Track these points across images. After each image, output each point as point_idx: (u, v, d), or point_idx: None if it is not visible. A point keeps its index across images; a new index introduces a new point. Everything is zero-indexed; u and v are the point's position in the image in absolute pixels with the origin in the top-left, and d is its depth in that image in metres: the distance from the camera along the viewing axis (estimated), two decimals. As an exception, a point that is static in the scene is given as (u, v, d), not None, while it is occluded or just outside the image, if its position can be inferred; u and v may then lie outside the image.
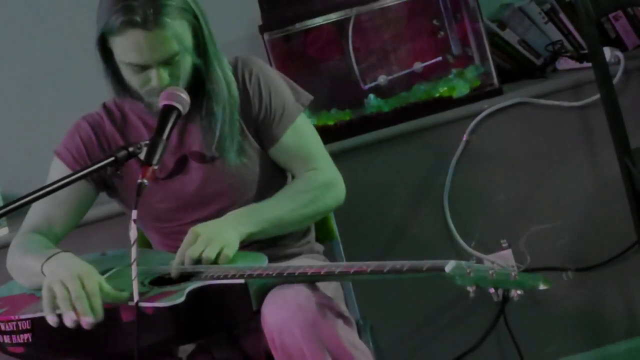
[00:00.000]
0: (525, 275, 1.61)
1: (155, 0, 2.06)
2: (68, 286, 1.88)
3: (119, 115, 2.29)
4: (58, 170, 2.25)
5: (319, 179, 2.24)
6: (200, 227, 2.04)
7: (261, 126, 2.26)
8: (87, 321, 1.85)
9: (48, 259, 1.99)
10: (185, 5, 2.11)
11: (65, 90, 3.11)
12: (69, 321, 1.86)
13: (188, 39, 2.12)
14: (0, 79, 3.13)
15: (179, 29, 2.09)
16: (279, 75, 2.33)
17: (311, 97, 2.33)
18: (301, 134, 2.29)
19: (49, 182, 2.10)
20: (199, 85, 2.19)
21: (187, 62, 2.14)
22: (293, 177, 2.32)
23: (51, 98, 3.12)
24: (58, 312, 1.89)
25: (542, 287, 1.59)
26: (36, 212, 2.24)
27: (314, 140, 2.32)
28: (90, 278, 1.90)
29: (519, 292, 1.60)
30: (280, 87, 2.29)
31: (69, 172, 2.17)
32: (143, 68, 2.10)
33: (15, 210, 1.85)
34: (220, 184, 2.22)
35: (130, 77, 2.14)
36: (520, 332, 2.99)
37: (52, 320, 1.89)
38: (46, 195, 1.90)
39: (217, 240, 2.00)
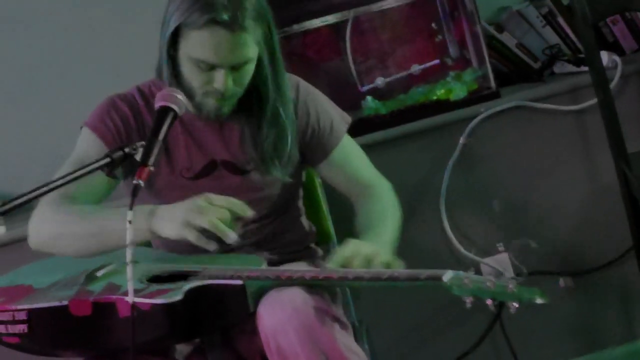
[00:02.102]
0: (523, 289, 1.62)
1: (241, 3, 2.02)
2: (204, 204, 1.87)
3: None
4: (90, 144, 2.16)
5: (390, 197, 2.27)
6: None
7: (310, 142, 2.24)
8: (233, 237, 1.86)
9: (151, 213, 1.92)
10: (264, 12, 2.08)
11: (62, 91, 3.10)
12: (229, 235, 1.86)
13: (262, 47, 2.09)
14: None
15: (258, 35, 2.06)
16: (321, 93, 2.32)
17: (350, 118, 2.33)
18: (350, 149, 2.30)
19: (78, 154, 2.11)
20: (251, 94, 2.16)
21: (251, 71, 2.10)
22: (339, 190, 2.32)
23: (47, 98, 3.11)
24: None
25: (539, 300, 1.60)
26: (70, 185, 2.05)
27: (362, 155, 2.33)
28: (213, 198, 1.90)
29: (515, 304, 1.60)
30: (326, 104, 2.29)
31: (106, 149, 2.06)
32: (211, 67, 2.05)
33: (15, 208, 1.82)
34: (242, 197, 2.19)
35: (193, 74, 2.08)
36: (516, 336, 2.99)
37: (232, 237, 1.87)
38: (61, 187, 1.84)
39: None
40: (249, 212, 1.92)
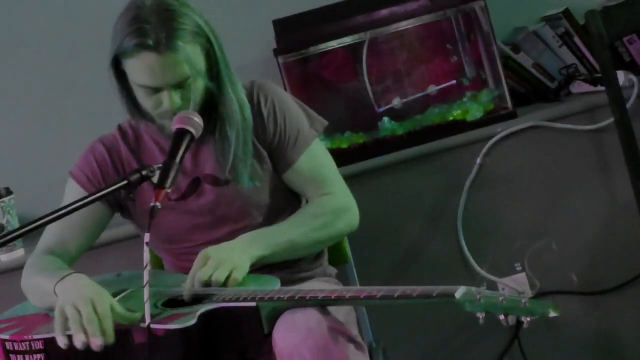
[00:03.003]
0: (536, 303, 1.61)
1: (168, 24, 2.07)
2: (80, 309, 1.89)
3: (134, 138, 2.30)
4: (73, 192, 2.26)
5: (333, 204, 2.25)
6: (210, 250, 2.05)
7: (276, 150, 2.26)
8: (97, 343, 1.87)
9: (61, 279, 2.01)
10: (199, 30, 2.12)
11: (83, 112, 3.14)
12: (78, 343, 1.88)
13: (201, 62, 2.13)
14: (18, 103, 3.16)
15: (191, 53, 2.10)
16: (294, 100, 2.34)
17: (326, 123, 2.33)
18: (316, 159, 2.29)
19: (64, 203, 2.13)
20: (212, 108, 2.20)
21: (199, 86, 2.14)
22: (307, 201, 2.32)
23: (68, 119, 3.15)
24: (69, 333, 1.90)
25: (552, 314, 1.59)
26: (51, 234, 2.25)
27: (329, 165, 2.32)
28: (102, 301, 1.91)
29: (529, 319, 1.60)
30: (295, 112, 2.29)
31: (84, 193, 2.19)
32: (155, 91, 2.12)
33: (30, 232, 1.86)
34: (233, 207, 2.22)
35: (143, 100, 2.15)
36: (534, 356, 2.97)
37: (61, 342, 1.90)
38: (60, 218, 1.91)
39: (227, 263, 2.01)
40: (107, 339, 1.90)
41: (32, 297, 2.15)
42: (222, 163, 2.21)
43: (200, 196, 2.24)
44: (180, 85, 2.12)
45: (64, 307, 1.91)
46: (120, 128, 2.33)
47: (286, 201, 2.30)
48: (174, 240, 2.28)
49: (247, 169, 2.20)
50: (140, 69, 2.09)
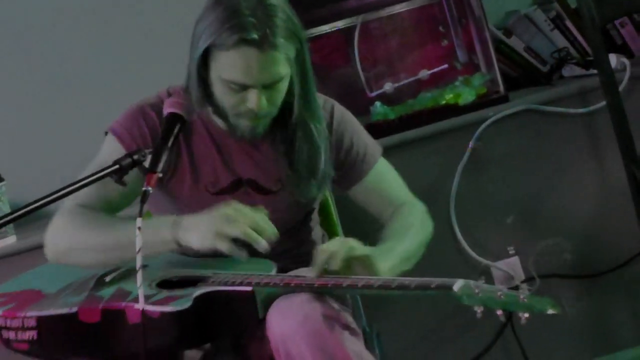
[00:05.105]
0: (534, 299, 1.60)
1: (271, 20, 1.98)
2: (235, 216, 1.88)
3: None
4: (115, 154, 2.01)
5: (415, 212, 2.22)
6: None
7: (344, 166, 2.22)
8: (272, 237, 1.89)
9: (174, 223, 1.93)
10: (295, 29, 2.03)
11: (75, 99, 3.13)
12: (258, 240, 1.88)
13: (293, 65, 2.05)
14: (9, 90, 3.15)
15: (289, 53, 2.02)
16: (355, 118, 2.30)
17: (381, 148, 2.30)
18: (384, 173, 2.27)
19: (100, 159, 2.07)
20: (284, 113, 2.13)
21: (284, 88, 2.07)
22: (370, 211, 2.28)
23: (60, 106, 3.13)
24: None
25: (550, 311, 1.58)
26: (89, 193, 2.04)
27: (397, 177, 2.29)
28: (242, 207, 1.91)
29: (526, 315, 1.59)
30: (361, 129, 2.27)
31: (123, 152, 2.02)
32: (243, 88, 2.02)
33: (22, 217, 1.82)
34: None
35: (225, 95, 2.04)
36: (527, 340, 2.98)
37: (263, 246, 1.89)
38: (72, 193, 1.84)
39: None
40: (272, 231, 1.91)
41: (97, 256, 2.01)
42: (287, 172, 2.15)
43: (238, 197, 2.13)
44: (270, 86, 2.03)
45: (220, 215, 1.89)
46: (169, 93, 2.18)
47: (308, 217, 2.29)
48: None
49: (326, 181, 2.17)
50: (237, 64, 1.98)
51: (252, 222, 1.89)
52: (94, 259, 2.03)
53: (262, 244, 1.88)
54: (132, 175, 1.98)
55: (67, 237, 2.05)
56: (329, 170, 2.18)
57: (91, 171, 1.92)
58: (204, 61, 2.04)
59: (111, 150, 2.11)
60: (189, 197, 2.17)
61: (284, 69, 2.02)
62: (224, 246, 1.87)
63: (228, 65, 2.00)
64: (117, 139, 2.14)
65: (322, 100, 2.22)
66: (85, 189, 1.93)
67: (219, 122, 2.15)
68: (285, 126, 2.14)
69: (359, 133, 2.26)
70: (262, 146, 2.18)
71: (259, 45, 1.96)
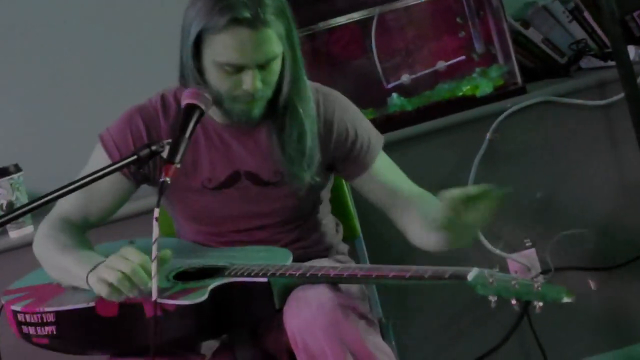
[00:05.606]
0: (549, 287, 1.60)
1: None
2: (119, 268, 1.86)
3: (176, 113, 2.17)
4: (98, 159, 2.14)
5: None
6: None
7: (349, 155, 2.20)
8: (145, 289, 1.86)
9: (93, 269, 1.93)
10: (283, 7, 2.04)
11: (91, 89, 3.13)
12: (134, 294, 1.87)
13: (285, 43, 2.05)
14: (26, 81, 3.15)
15: (280, 31, 2.02)
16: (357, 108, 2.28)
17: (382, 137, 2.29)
18: (388, 164, 2.25)
19: (87, 168, 2.10)
20: (275, 97, 2.12)
21: (277, 69, 2.06)
22: (374, 203, 2.24)
23: (76, 97, 3.14)
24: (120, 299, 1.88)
25: (565, 300, 1.58)
26: (70, 201, 2.12)
27: (399, 171, 2.27)
28: (132, 252, 1.89)
29: (541, 304, 1.59)
30: (364, 119, 2.25)
31: (109, 162, 2.07)
32: (238, 70, 2.01)
33: (40, 207, 1.83)
34: (264, 207, 2.18)
35: (220, 80, 2.03)
36: (543, 332, 2.98)
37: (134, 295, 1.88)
38: (73, 192, 1.86)
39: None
40: (145, 281, 1.86)
41: (53, 273, 2.08)
42: (280, 158, 2.14)
43: (235, 191, 2.16)
44: (265, 66, 2.02)
45: (103, 276, 1.88)
46: (162, 99, 2.19)
47: (316, 203, 2.27)
48: (198, 221, 2.23)
49: (313, 163, 2.14)
50: (229, 45, 1.98)
51: (131, 269, 1.85)
52: (52, 275, 2.09)
53: (131, 296, 1.86)
54: (114, 183, 2.10)
55: (40, 247, 2.11)
56: (316, 152, 2.16)
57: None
58: (196, 49, 2.04)
59: (97, 159, 2.14)
60: (186, 192, 2.18)
61: (277, 47, 2.02)
62: (102, 291, 1.87)
63: (222, 47, 1.99)
64: (103, 148, 2.17)
65: (326, 90, 2.22)
66: (71, 199, 2.05)
67: (215, 115, 2.14)
68: (277, 112, 2.13)
69: (362, 124, 2.23)
70: (258, 136, 2.16)
71: (251, 24, 1.96)
